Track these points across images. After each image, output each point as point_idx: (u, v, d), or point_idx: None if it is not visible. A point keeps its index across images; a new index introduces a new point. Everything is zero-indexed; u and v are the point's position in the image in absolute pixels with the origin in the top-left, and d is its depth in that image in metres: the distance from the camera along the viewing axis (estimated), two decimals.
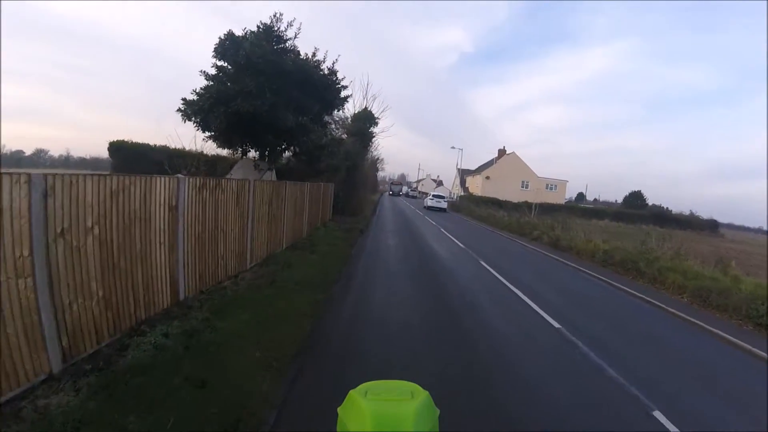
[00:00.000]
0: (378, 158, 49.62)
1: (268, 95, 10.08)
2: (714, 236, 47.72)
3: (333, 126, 18.65)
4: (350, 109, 27.17)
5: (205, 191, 6.41)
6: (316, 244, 11.42)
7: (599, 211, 55.63)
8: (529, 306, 7.91)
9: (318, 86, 11.82)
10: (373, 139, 28.46)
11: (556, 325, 6.97)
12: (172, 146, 15.06)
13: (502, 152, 58.44)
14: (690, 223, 54.47)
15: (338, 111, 12.03)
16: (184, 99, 10.50)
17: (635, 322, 8.03)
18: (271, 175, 12.34)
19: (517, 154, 58.06)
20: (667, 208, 62.34)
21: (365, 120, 26.64)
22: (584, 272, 12.79)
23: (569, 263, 14.11)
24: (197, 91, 10.44)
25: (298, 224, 11.83)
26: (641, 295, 10.22)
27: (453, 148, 54.37)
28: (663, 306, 9.39)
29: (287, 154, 14.02)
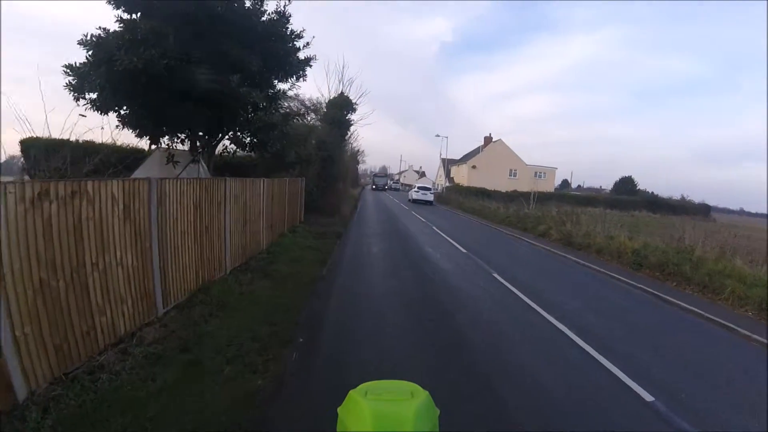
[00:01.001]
0: (358, 150, 46.68)
1: (172, 42, 7.00)
2: (707, 220, 46.36)
3: (294, 105, 15.34)
4: (324, 94, 24.07)
5: (48, 205, 3.50)
6: (276, 261, 8.49)
7: (591, 198, 53.82)
8: (596, 362, 5.16)
9: (262, 37, 8.67)
10: (351, 127, 25.42)
11: (647, 397, 4.27)
12: (99, 141, 11.78)
13: (488, 140, 55.95)
14: (683, 208, 53.33)
15: (297, 81, 8.80)
16: (68, 66, 7.17)
17: (719, 361, 5.50)
18: (199, 171, 9.18)
19: (504, 141, 55.73)
20: (652, 192, 61.15)
21: (341, 106, 23.56)
22: (622, 282, 10.19)
23: (597, 268, 11.50)
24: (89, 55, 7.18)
25: (252, 234, 8.88)
26: (702, 312, 7.83)
27: (438, 136, 52.05)
28: (735, 328, 7.03)
29: (231, 143, 10.70)
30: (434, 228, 17.07)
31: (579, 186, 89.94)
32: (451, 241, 13.97)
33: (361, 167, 68.96)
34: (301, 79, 8.50)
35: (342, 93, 24.61)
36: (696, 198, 60.60)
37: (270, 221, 10.26)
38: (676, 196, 60.70)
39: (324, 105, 23.74)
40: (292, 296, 6.40)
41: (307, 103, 19.33)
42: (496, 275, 9.29)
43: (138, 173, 9.01)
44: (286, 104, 13.56)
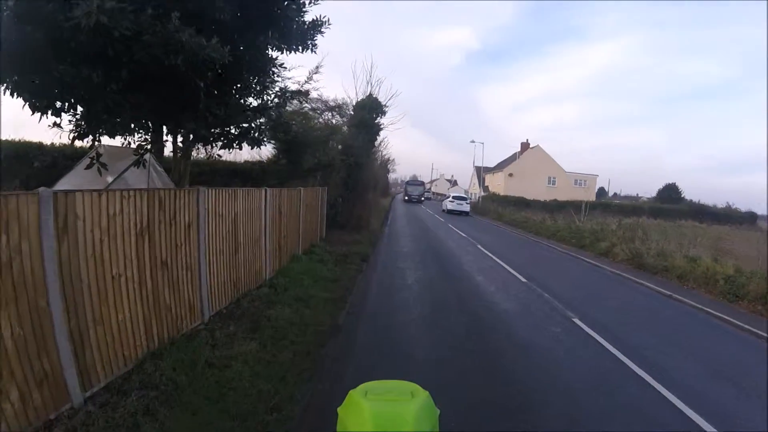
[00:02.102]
0: (389, 158, 44.48)
1: None
2: (754, 229, 41.49)
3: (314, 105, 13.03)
4: (351, 96, 22.00)
5: None
6: (278, 301, 6.26)
7: (636, 207, 49.76)
8: None
9: None
10: (381, 132, 23.21)
11: None
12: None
13: (525, 146, 52.68)
14: (728, 217, 48.54)
15: (304, 51, 6.25)
16: None
17: None
18: (150, 177, 6.62)
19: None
20: (698, 200, 56.14)
21: (370, 109, 21.39)
22: (727, 322, 7.47)
23: (689, 302, 8.89)
24: None
25: (247, 263, 6.72)
26: None
27: (473, 142, 48.88)
28: None
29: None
30: (478, 246, 14.50)
31: (615, 194, 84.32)
32: (501, 263, 11.41)
33: (391, 176, 66.65)
34: (310, 50, 6.21)
35: (370, 94, 22.47)
36: (740, 206, 55.41)
37: (277, 242, 8.09)
38: (719, 203, 55.54)
39: (351, 107, 21.67)
40: (286, 373, 4.10)
41: (330, 103, 17.26)
42: (577, 321, 6.74)
43: (62, 184, 6.79)
44: (300, 102, 11.48)
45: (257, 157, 13.05)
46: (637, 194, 78.97)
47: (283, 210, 8.29)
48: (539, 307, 7.38)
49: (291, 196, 8.91)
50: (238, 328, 5.16)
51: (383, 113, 22.68)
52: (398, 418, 0.82)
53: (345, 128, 17.75)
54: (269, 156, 11.87)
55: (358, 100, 22.13)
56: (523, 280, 9.39)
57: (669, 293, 9.66)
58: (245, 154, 19.02)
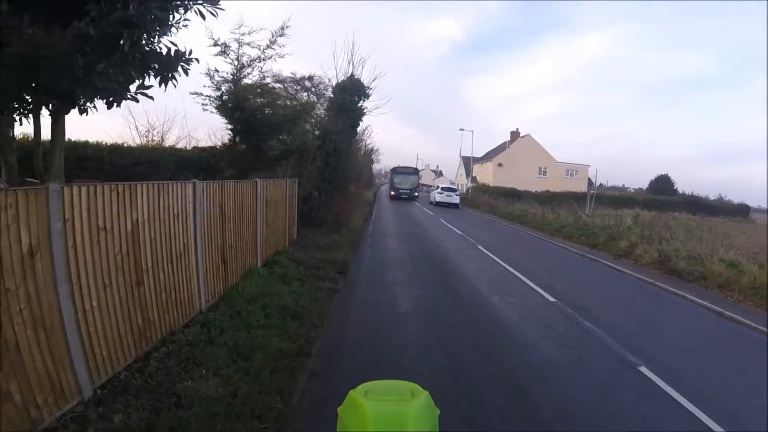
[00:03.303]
0: (373, 148, 41.93)
1: None
2: (747, 222, 40.62)
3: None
4: (331, 78, 19.44)
5: None
6: (203, 360, 3.98)
7: (628, 198, 48.66)
8: None
9: None
10: (364, 117, 20.82)
11: None
12: None
13: (515, 135, 50.81)
14: (722, 209, 47.94)
15: None
16: None
17: None
18: None
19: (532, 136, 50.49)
20: (692, 192, 55.58)
21: (351, 91, 18.99)
22: None
23: (747, 322, 6.87)
24: None
25: (162, 293, 4.42)
26: None
27: (462, 130, 46.49)
28: None
29: None
30: (479, 247, 12.30)
31: (601, 185, 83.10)
32: (512, 271, 9.28)
33: (376, 167, 63.92)
34: None
35: (352, 75, 20.00)
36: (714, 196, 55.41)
37: (218, 256, 5.78)
38: (711, 195, 55.25)
39: (329, 89, 19.19)
40: None
41: (306, 82, 14.73)
42: (645, 371, 4.63)
43: None
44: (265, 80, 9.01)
45: (215, 143, 10.59)
46: (623, 185, 78.15)
47: (227, 210, 5.95)
48: (589, 349, 5.25)
49: (242, 190, 6.56)
50: (128, 418, 2.90)
51: (366, 96, 20.21)
52: (398, 418, 0.81)
53: (321, 108, 15.31)
54: (225, 141, 9.42)
55: (338, 81, 19.72)
56: (551, 299, 7.24)
57: (719, 310, 7.70)
58: (202, 140, 16.23)
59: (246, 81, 8.72)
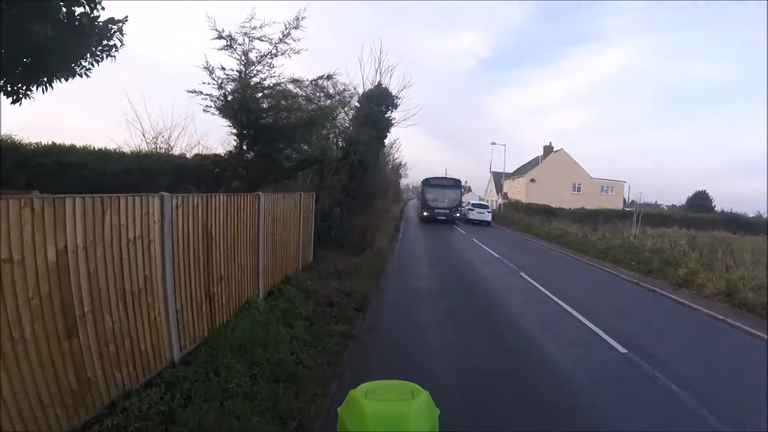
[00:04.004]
0: (401, 162, 40.74)
1: None
2: None
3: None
4: (357, 87, 18.30)
5: None
6: None
7: (665, 216, 45.54)
8: None
9: None
10: (392, 128, 19.64)
11: None
12: None
13: (548, 150, 48.73)
14: (762, 226, 44.20)
15: None
16: None
17: None
18: None
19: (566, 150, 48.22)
20: (731, 210, 51.60)
21: (378, 100, 17.91)
22: None
23: None
24: None
25: (105, 346, 3.21)
26: None
27: (493, 144, 44.88)
28: None
29: None
30: (521, 274, 10.70)
31: (633, 201, 78.81)
32: (563, 305, 7.69)
33: (404, 182, 62.45)
34: None
35: (379, 84, 18.93)
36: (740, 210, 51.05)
37: (202, 290, 4.56)
38: (748, 211, 51.10)
39: (356, 98, 18.12)
40: None
41: (329, 89, 13.66)
42: None
43: None
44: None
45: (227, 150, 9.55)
46: (656, 201, 73.87)
47: (215, 232, 4.75)
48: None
49: (238, 206, 5.36)
50: None
51: (395, 106, 19.11)
52: (398, 418, 0.81)
53: (346, 117, 14.20)
54: (231, 149, 8.29)
55: (365, 90, 18.66)
56: (621, 349, 5.64)
57: None
58: (214, 148, 15.40)
59: (255, 80, 7.65)
